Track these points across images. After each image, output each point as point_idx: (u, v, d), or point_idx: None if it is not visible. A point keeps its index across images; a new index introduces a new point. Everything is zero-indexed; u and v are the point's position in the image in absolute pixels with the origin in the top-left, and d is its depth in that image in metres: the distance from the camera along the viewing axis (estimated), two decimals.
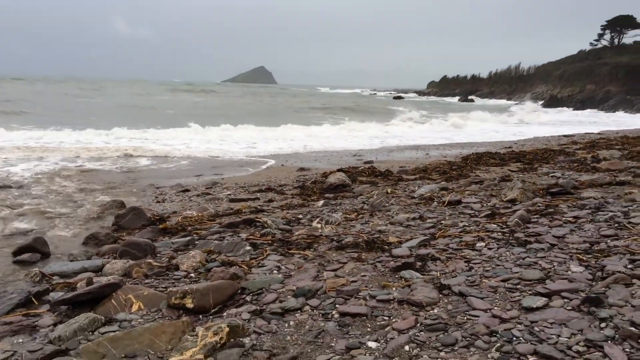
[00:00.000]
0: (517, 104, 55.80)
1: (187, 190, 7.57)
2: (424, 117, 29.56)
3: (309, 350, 2.37)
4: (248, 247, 4.08)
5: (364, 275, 3.28)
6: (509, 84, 77.14)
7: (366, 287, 3.08)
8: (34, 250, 4.23)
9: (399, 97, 74.45)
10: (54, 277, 3.65)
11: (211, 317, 2.84)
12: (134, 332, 2.53)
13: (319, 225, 4.78)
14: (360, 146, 14.91)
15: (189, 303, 2.90)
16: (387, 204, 5.65)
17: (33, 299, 3.17)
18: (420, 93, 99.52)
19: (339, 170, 8.43)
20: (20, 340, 2.65)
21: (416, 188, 6.70)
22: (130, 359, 2.37)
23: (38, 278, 3.63)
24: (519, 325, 2.42)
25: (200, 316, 2.85)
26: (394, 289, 3.02)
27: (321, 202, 6.06)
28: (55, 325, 2.81)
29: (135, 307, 2.98)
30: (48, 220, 5.69)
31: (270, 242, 4.26)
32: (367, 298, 2.89)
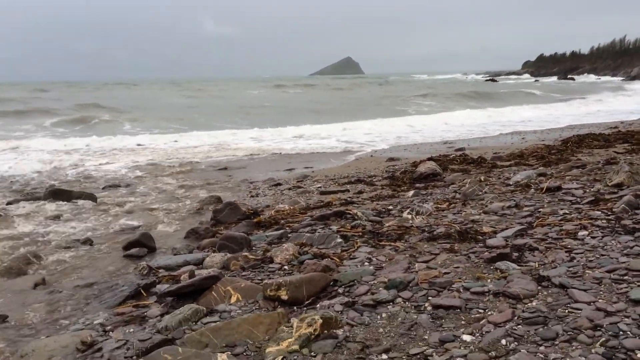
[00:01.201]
0: (623, 80, 51.72)
1: (279, 184, 7.78)
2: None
3: (402, 343, 2.36)
4: (339, 240, 4.12)
5: (457, 267, 3.21)
6: (613, 59, 71.69)
7: (459, 279, 3.01)
8: (141, 245, 4.54)
9: (492, 80, 71.49)
10: (159, 270, 3.90)
11: (305, 308, 2.91)
12: (233, 323, 2.65)
13: (409, 216, 4.73)
14: (456, 134, 14.52)
15: (284, 295, 2.99)
16: (480, 193, 5.47)
17: (142, 291, 3.41)
18: (514, 74, 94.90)
19: (429, 159, 8.28)
20: (132, 329, 2.87)
21: (511, 175, 6.43)
22: (231, 348, 2.48)
23: (146, 271, 3.89)
24: (626, 319, 2.26)
25: (295, 308, 2.92)
26: (489, 280, 2.92)
27: (411, 193, 5.99)
28: (162, 315, 3.01)
29: (234, 299, 3.12)
30: (153, 216, 6.08)
31: (360, 234, 4.28)
32: (461, 290, 2.83)
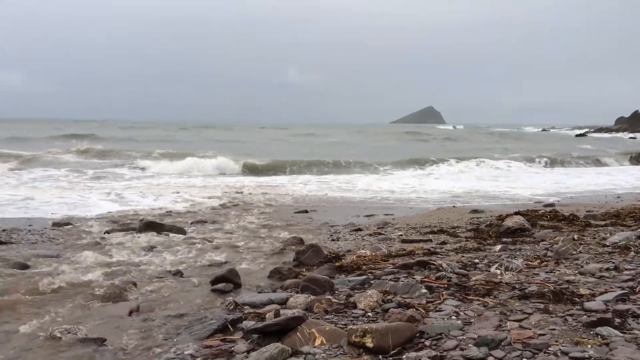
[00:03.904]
0: None
1: (360, 230, 7.78)
2: None
3: None
4: (424, 290, 4.05)
5: (553, 329, 3.05)
6: None
7: (556, 341, 2.85)
8: (227, 280, 4.67)
9: (583, 135, 68.35)
10: (245, 307, 3.99)
11: (390, 358, 2.86)
12: None
13: (498, 271, 4.57)
14: (543, 190, 13.98)
15: (369, 342, 2.96)
16: (574, 252, 5.20)
17: (229, 326, 3.49)
18: (605, 130, 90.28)
19: (516, 213, 7.99)
20: None
21: (607, 235, 6.08)
22: None
23: (232, 307, 3.98)
24: None
25: (380, 356, 2.88)
26: (589, 346, 2.75)
27: (498, 247, 5.80)
28: (248, 352, 3.06)
29: (318, 342, 3.12)
30: (238, 253, 6.25)
31: (446, 286, 4.18)
32: (559, 354, 2.68)
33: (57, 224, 8.09)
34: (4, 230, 7.43)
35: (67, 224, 8.16)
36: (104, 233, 7.37)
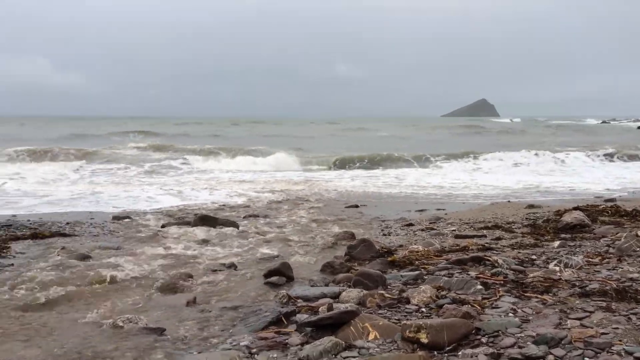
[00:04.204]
0: None
1: (411, 225, 7.70)
2: None
3: None
4: (479, 286, 3.97)
5: (616, 328, 2.94)
6: None
7: (620, 341, 2.75)
8: (280, 273, 4.73)
9: None
10: (298, 300, 4.03)
11: (446, 354, 2.83)
12: None
13: (556, 268, 4.43)
14: (602, 184, 13.45)
15: (424, 338, 2.93)
16: (638, 249, 4.97)
17: (283, 319, 3.53)
18: None
19: (575, 208, 7.72)
20: (275, 355, 2.98)
21: None
22: None
23: (285, 300, 4.03)
24: None
25: (435, 352, 2.85)
26: None
27: (557, 243, 5.61)
28: (302, 345, 3.09)
29: (371, 336, 3.12)
30: (289, 247, 6.32)
31: (502, 282, 4.09)
32: (622, 354, 2.58)
33: (117, 218, 8.40)
34: (67, 223, 7.79)
35: (126, 217, 8.46)
36: (161, 227, 7.60)
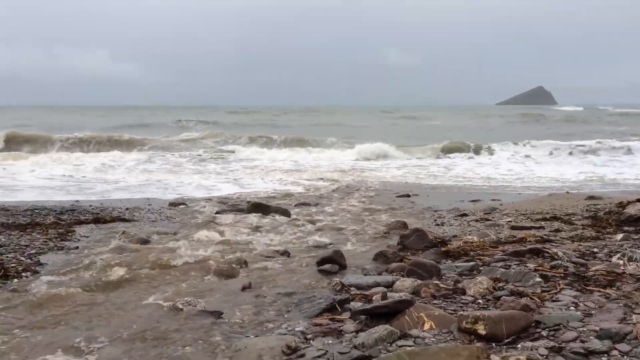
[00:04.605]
0: None
1: (465, 215, 7.57)
2: None
3: None
4: (538, 279, 3.86)
5: None
6: None
7: None
8: (333, 261, 4.75)
9: None
10: (351, 288, 4.04)
11: (504, 347, 2.77)
12: (430, 350, 2.63)
13: (620, 262, 4.25)
14: None
15: (481, 329, 2.88)
16: None
17: (337, 306, 3.55)
18: None
19: (639, 200, 7.37)
20: (330, 341, 3.00)
21: None
22: None
23: (338, 287, 4.05)
24: None
25: (493, 344, 2.80)
26: None
27: (620, 236, 5.39)
28: (357, 332, 3.10)
29: (427, 326, 3.09)
30: (342, 235, 6.33)
31: (562, 275, 3.96)
32: None
33: (173, 204, 8.66)
34: (127, 209, 8.08)
35: (182, 204, 8.71)
36: (215, 213, 7.77)
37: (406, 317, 3.19)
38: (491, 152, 20.16)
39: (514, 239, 5.60)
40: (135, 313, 3.55)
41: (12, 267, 4.60)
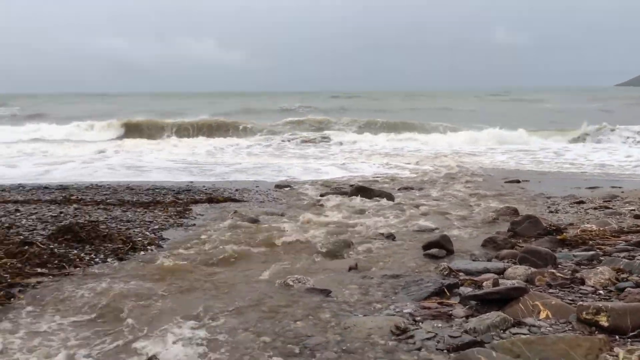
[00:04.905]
0: None
1: (582, 202, 7.11)
2: None
3: None
4: None
5: None
6: None
7: None
8: (440, 246, 4.67)
9: None
10: (460, 273, 3.96)
11: (629, 340, 2.60)
12: (547, 339, 2.53)
13: None
14: None
15: (604, 321, 2.72)
16: None
17: (445, 290, 3.51)
18: None
19: None
20: (439, 324, 2.98)
21: None
22: None
23: (446, 272, 3.99)
24: None
25: (617, 337, 2.63)
26: None
27: None
28: (467, 317, 3.05)
29: (543, 315, 2.97)
30: (447, 220, 6.21)
31: None
32: None
33: (279, 186, 8.94)
34: (237, 190, 8.47)
35: (287, 186, 8.97)
36: (320, 195, 7.92)
37: (520, 304, 3.09)
38: (607, 137, 18.68)
39: (639, 228, 5.19)
40: (248, 288, 3.73)
41: (138, 240, 5.02)
